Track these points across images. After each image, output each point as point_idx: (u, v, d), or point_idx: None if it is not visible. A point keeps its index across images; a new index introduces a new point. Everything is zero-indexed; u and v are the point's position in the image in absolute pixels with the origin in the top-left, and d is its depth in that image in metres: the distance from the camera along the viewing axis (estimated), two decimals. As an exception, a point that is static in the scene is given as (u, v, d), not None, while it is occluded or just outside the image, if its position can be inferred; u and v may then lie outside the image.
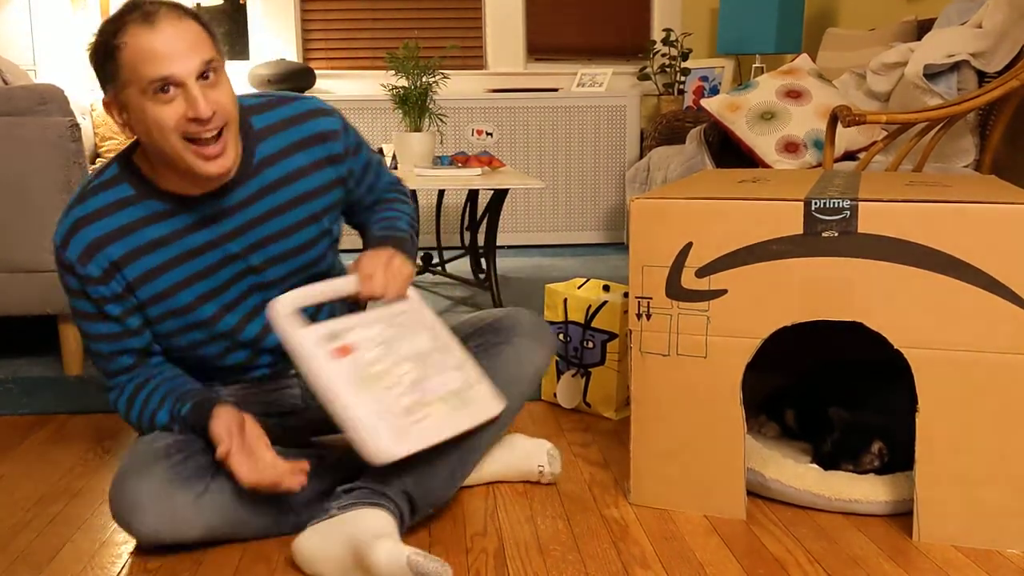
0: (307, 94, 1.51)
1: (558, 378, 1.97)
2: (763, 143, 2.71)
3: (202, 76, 1.24)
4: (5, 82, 2.28)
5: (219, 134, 1.27)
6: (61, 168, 2.14)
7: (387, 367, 1.30)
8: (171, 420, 1.38)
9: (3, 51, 3.45)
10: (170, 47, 1.22)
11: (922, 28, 3.00)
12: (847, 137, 2.65)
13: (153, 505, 1.29)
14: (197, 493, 1.32)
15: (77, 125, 2.16)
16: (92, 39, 1.29)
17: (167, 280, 1.36)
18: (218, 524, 1.34)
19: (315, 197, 1.43)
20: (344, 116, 1.49)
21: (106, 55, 1.25)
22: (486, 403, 1.37)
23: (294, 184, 1.41)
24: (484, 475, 1.55)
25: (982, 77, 2.50)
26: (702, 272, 1.40)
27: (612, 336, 1.87)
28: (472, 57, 4.51)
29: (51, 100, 2.15)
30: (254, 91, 1.45)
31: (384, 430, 1.23)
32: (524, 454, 1.56)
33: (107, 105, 1.29)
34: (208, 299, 1.40)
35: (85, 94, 3.97)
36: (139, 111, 1.25)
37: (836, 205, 1.32)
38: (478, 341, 1.51)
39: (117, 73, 1.24)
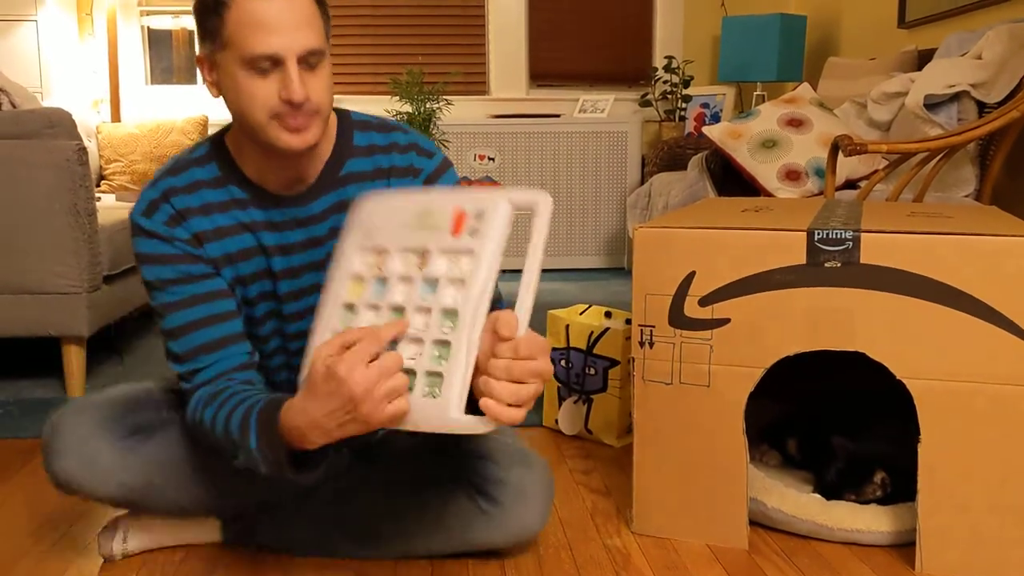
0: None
1: (560, 404, 1.98)
2: (764, 171, 2.72)
3: (306, 61, 1.16)
4: (13, 105, 2.30)
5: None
6: (67, 191, 2.15)
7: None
8: (243, 423, 1.16)
9: (12, 73, 3.47)
10: (281, 20, 1.14)
11: (922, 58, 3.02)
12: (848, 166, 2.66)
13: (77, 447, 1.28)
14: (127, 447, 1.30)
15: (84, 148, 2.18)
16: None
17: (229, 273, 1.29)
18: (138, 485, 1.32)
19: None
20: (452, 168, 1.37)
21: (211, 9, 1.16)
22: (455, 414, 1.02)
23: None
24: None
25: (982, 108, 2.51)
26: (705, 301, 1.41)
27: (614, 363, 1.88)
28: (475, 83, 4.55)
29: (58, 123, 2.16)
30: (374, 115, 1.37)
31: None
32: None
33: (200, 61, 1.23)
34: (250, 305, 1.33)
35: (91, 116, 4.00)
36: (231, 77, 1.17)
37: (838, 236, 1.33)
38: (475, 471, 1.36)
39: (218, 32, 1.16)
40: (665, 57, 4.43)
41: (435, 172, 1.33)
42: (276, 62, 1.15)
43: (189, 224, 1.27)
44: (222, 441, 1.20)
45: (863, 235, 1.32)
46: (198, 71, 1.24)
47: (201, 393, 1.25)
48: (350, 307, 1.11)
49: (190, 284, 1.27)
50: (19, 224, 2.15)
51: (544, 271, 1.17)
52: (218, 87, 1.21)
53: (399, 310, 1.07)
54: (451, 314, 1.03)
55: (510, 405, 1.01)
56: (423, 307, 1.05)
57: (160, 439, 1.33)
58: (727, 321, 1.40)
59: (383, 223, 1.11)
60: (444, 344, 1.02)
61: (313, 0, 1.18)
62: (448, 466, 1.36)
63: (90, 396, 1.36)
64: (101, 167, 3.67)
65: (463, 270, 1.04)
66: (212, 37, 1.18)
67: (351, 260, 1.12)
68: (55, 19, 4.02)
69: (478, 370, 1.03)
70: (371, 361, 1.01)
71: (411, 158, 1.33)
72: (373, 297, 1.08)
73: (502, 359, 1.02)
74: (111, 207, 2.70)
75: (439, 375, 1.02)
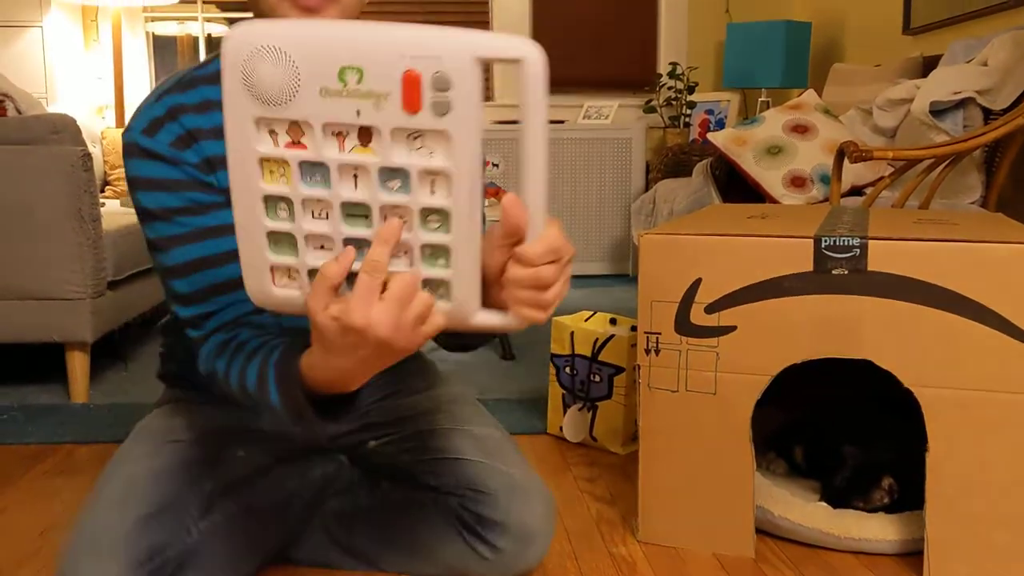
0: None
1: (564, 412, 1.97)
2: (770, 177, 2.72)
3: None
4: (19, 111, 2.30)
5: None
6: (72, 197, 2.15)
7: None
8: (260, 376, 1.03)
9: (17, 79, 3.48)
10: None
11: (927, 64, 3.02)
12: (854, 172, 2.66)
13: None
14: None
15: (89, 155, 2.18)
16: None
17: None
18: None
19: None
20: None
21: None
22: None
23: None
24: None
25: (988, 114, 2.51)
26: (711, 308, 1.40)
27: (619, 370, 1.87)
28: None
29: (64, 129, 2.16)
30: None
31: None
32: None
33: None
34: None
35: (96, 122, 4.01)
36: None
37: (846, 243, 1.33)
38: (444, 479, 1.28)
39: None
40: (669, 63, 4.44)
41: None
42: None
43: (200, 147, 1.10)
44: (238, 394, 1.06)
45: (870, 242, 1.32)
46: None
47: (216, 340, 1.10)
48: (280, 201, 0.81)
49: (199, 215, 1.10)
50: (24, 230, 2.15)
51: None
52: None
53: (356, 210, 0.80)
54: (439, 213, 0.80)
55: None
56: (392, 206, 0.79)
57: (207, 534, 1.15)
58: (733, 328, 1.39)
59: (283, 82, 0.76)
60: (439, 249, 0.82)
61: None
62: (440, 504, 1.28)
63: (106, 519, 1.09)
64: (105, 173, 3.67)
65: (437, 159, 0.78)
66: None
67: (248, 137, 0.78)
68: (61, 25, 4.03)
69: (486, 281, 0.86)
70: (382, 292, 0.81)
71: None
72: (305, 188, 0.80)
73: (525, 271, 0.85)
74: (115, 212, 2.70)
75: (443, 282, 0.83)
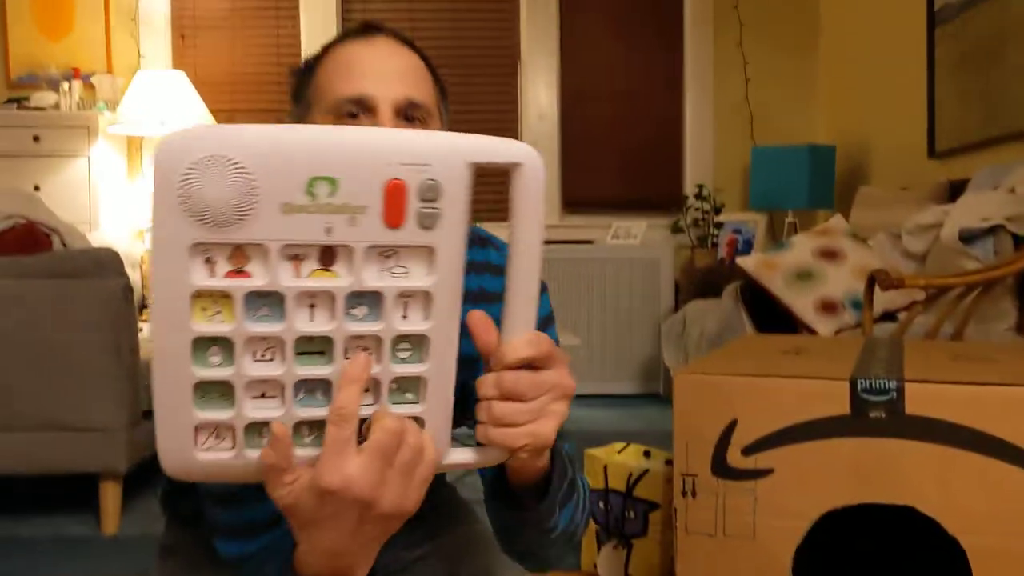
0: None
1: (599, 548, 1.93)
2: (800, 303, 2.72)
3: (405, 115, 0.94)
4: (64, 244, 2.38)
5: None
6: (112, 329, 2.19)
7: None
8: None
9: (63, 203, 3.61)
10: (377, 66, 0.94)
11: (953, 189, 3.05)
12: (885, 298, 2.65)
13: None
14: None
15: (130, 287, 2.24)
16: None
17: None
18: None
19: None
20: (547, 293, 1.12)
21: (305, 68, 1.00)
22: None
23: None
24: None
25: (1017, 240, 2.51)
26: (748, 450, 1.38)
27: (654, 506, 1.84)
28: (507, 209, 4.62)
29: (107, 263, 2.23)
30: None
31: None
32: None
33: None
34: None
35: (136, 245, 4.12)
36: None
37: (882, 386, 1.32)
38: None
39: (306, 89, 0.97)
40: (696, 185, 4.51)
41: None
42: (367, 108, 0.93)
43: None
44: None
45: (907, 385, 1.31)
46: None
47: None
48: (211, 344, 0.66)
49: None
50: (63, 361, 2.19)
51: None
52: None
53: (311, 346, 0.67)
54: (410, 340, 0.69)
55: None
56: (360, 335, 0.67)
57: None
58: (771, 471, 1.37)
59: (235, 199, 0.62)
60: (409, 381, 0.70)
61: (421, 58, 0.99)
62: None
63: None
64: (143, 296, 3.75)
65: (417, 278, 0.67)
66: (298, 98, 0.99)
67: (179, 268, 0.64)
68: (106, 156, 4.19)
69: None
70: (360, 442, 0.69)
71: (484, 280, 1.07)
72: (251, 324, 0.66)
73: (487, 380, 0.73)
74: (152, 339, 2.75)
75: (414, 419, 0.71)
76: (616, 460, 1.93)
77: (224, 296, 0.64)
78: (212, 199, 0.62)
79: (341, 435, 0.66)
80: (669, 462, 1.88)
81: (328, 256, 0.65)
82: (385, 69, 0.94)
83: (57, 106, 4.20)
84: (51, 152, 4.07)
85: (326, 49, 0.98)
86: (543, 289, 1.06)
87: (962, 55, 3.28)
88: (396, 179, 0.64)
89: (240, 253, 0.64)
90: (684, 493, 1.42)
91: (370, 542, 0.73)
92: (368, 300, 0.67)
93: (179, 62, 4.50)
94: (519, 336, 0.72)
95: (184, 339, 0.65)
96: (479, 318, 0.72)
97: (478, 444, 0.75)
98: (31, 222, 2.40)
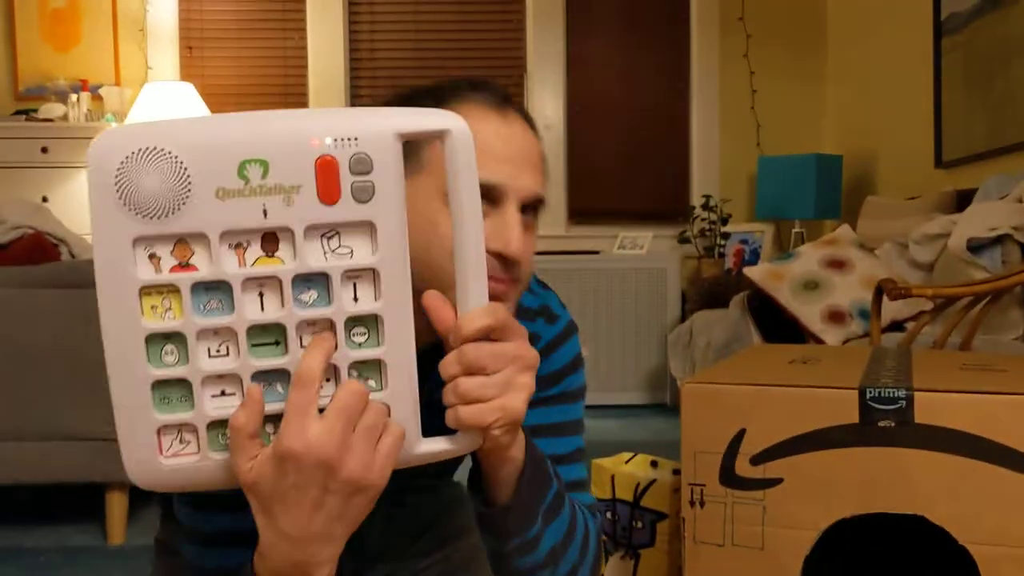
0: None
1: (606, 558, 1.92)
2: (808, 312, 2.71)
3: (527, 211, 0.88)
4: (72, 255, 2.38)
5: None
6: (119, 339, 2.19)
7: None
8: None
9: (71, 214, 3.61)
10: (512, 153, 0.86)
11: (960, 198, 3.04)
12: (893, 307, 2.65)
13: None
14: None
15: (137, 297, 2.24)
16: (396, 100, 0.89)
17: None
18: None
19: None
20: (576, 334, 1.16)
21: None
22: None
23: None
24: None
25: (1026, 250, 2.51)
26: (756, 460, 1.38)
27: (662, 516, 1.83)
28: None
29: (114, 273, 2.23)
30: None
31: None
32: None
33: None
34: None
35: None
36: (425, 211, 0.82)
37: (891, 395, 1.31)
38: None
39: (419, 150, 0.84)
40: (702, 195, 4.50)
41: (555, 340, 1.07)
42: (494, 199, 0.84)
43: None
44: None
45: (916, 394, 1.30)
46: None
47: None
48: (165, 342, 0.66)
49: None
50: (70, 371, 2.19)
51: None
52: None
53: (264, 336, 0.67)
54: (365, 323, 0.68)
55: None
56: (309, 321, 0.67)
57: None
58: (780, 481, 1.36)
59: (169, 189, 0.64)
60: (369, 365, 0.69)
61: (542, 147, 0.94)
62: None
63: None
64: (150, 307, 3.76)
65: (361, 256, 0.67)
66: (407, 157, 0.77)
67: (123, 264, 0.64)
68: (114, 165, 4.21)
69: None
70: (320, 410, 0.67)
71: (537, 325, 1.04)
72: (200, 318, 0.66)
73: (448, 357, 0.71)
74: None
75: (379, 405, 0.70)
76: (623, 470, 1.93)
77: (173, 291, 0.65)
78: (147, 190, 0.63)
79: (303, 398, 0.66)
80: (677, 472, 1.88)
81: (271, 242, 0.66)
82: (520, 158, 0.87)
83: (65, 117, 4.22)
84: (59, 163, 4.09)
85: (450, 101, 0.86)
86: (574, 330, 1.06)
87: (969, 65, 3.28)
88: (326, 155, 0.65)
89: (184, 247, 0.65)
90: (692, 503, 1.42)
91: (332, 524, 0.69)
92: (316, 284, 0.67)
93: (187, 73, 4.52)
94: (474, 307, 0.71)
95: (136, 338, 0.65)
96: (434, 296, 0.71)
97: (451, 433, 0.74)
98: (39, 232, 2.41)
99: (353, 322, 0.68)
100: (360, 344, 0.69)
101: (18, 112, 4.30)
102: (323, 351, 0.66)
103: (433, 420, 0.74)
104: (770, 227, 4.36)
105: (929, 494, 1.30)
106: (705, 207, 4.45)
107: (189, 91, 4.10)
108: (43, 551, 2.20)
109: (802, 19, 4.60)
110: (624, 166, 4.67)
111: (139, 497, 2.62)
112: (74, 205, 4.03)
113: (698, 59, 4.65)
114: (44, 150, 4.07)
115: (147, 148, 0.63)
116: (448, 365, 0.71)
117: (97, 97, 4.35)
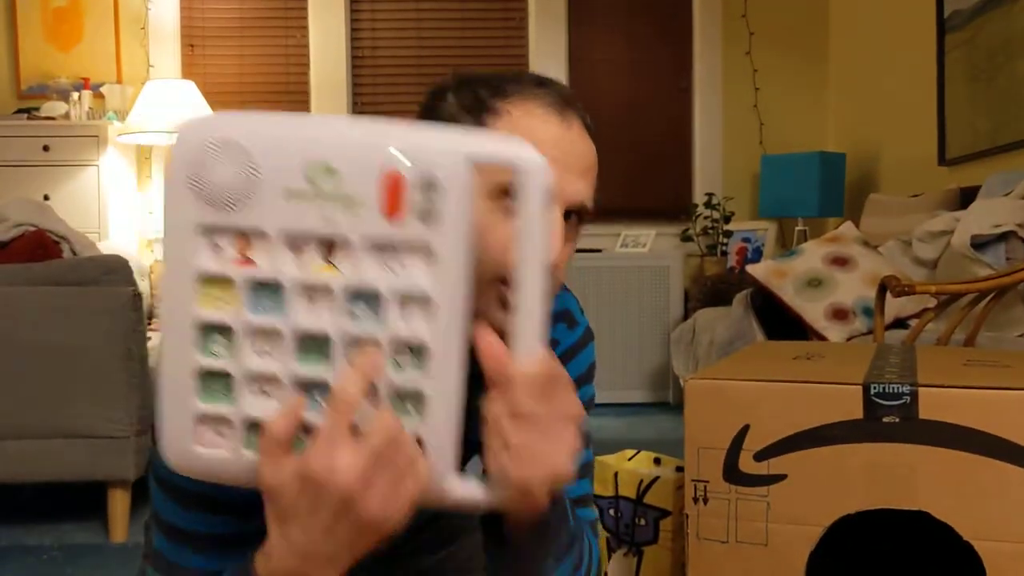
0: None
1: (608, 556, 1.92)
2: (811, 309, 2.71)
3: (571, 218, 0.88)
4: (74, 252, 2.38)
5: None
6: (122, 337, 2.19)
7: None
8: None
9: (73, 212, 3.61)
10: (568, 159, 0.85)
11: (964, 196, 3.03)
12: (897, 305, 2.64)
13: None
14: None
15: (139, 295, 2.24)
16: (454, 83, 0.87)
17: None
18: None
19: None
20: (593, 342, 1.18)
21: (475, 110, 0.84)
22: None
23: None
24: None
25: (1030, 247, 2.50)
26: (760, 456, 1.37)
27: (665, 513, 1.83)
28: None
29: (116, 270, 2.23)
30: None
31: None
32: None
33: None
34: None
35: (146, 256, 4.13)
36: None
37: (895, 390, 1.31)
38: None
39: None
40: (705, 193, 4.50)
41: (574, 346, 1.07)
42: None
43: None
44: None
45: (920, 390, 1.30)
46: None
47: None
48: (216, 333, 0.66)
49: None
50: (72, 369, 2.19)
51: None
52: None
53: (311, 345, 0.66)
54: (412, 350, 0.66)
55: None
56: (359, 337, 0.66)
57: None
58: (784, 477, 1.36)
59: (239, 181, 0.64)
60: (409, 394, 0.67)
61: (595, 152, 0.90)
62: None
63: None
64: (151, 306, 3.75)
65: (417, 279, 0.65)
66: None
67: (187, 250, 0.65)
68: (116, 165, 4.21)
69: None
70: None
71: (556, 331, 1.04)
72: (253, 315, 0.66)
73: (498, 403, 0.69)
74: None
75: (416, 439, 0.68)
76: (626, 467, 1.92)
77: (228, 283, 0.65)
78: (219, 180, 0.64)
79: (336, 423, 0.64)
80: (680, 469, 1.87)
81: (329, 250, 0.65)
82: (575, 165, 0.86)
83: (67, 116, 4.21)
84: (61, 161, 4.08)
85: (507, 96, 0.84)
86: (591, 338, 1.03)
87: (972, 62, 3.28)
88: (393, 170, 0.64)
89: (244, 240, 0.65)
90: (696, 500, 1.41)
91: (340, 550, 0.67)
92: (368, 300, 0.65)
93: (188, 71, 4.52)
94: (529, 354, 0.68)
95: (188, 323, 0.66)
96: (486, 334, 0.68)
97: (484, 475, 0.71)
98: (41, 230, 2.41)
99: (400, 346, 0.66)
100: (404, 369, 0.66)
101: (20, 111, 4.29)
102: (365, 374, 0.65)
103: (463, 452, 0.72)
104: (773, 225, 4.35)
105: (933, 490, 1.29)
106: (708, 205, 4.44)
107: (191, 89, 4.09)
108: (45, 549, 2.20)
109: (805, 17, 4.59)
110: (627, 164, 4.66)
111: (141, 495, 2.63)
112: (76, 203, 4.03)
113: (701, 57, 4.64)
114: (46, 148, 4.06)
115: (225, 140, 0.64)
116: (495, 406, 0.69)
117: (99, 95, 4.35)
